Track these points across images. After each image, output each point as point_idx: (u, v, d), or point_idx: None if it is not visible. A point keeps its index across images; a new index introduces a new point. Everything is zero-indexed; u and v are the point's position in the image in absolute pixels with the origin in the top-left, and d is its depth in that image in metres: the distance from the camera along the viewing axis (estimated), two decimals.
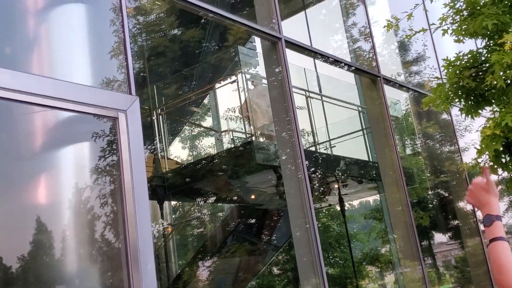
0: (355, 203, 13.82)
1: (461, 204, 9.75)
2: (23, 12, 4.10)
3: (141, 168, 3.85)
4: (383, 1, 9.85)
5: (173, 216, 10.07)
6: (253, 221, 9.42)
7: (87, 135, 3.89)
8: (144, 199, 3.78)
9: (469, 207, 9.31)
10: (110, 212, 3.77)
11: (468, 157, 5.52)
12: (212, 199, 8.82)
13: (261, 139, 7.99)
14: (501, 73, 4.41)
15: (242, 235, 9.27)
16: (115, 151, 3.83)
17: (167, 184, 7.99)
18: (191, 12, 5.75)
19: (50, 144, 3.88)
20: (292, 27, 9.44)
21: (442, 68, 5.17)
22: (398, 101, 10.12)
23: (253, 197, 8.86)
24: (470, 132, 9.63)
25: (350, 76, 8.36)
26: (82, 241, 3.74)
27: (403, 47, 10.45)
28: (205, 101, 10.16)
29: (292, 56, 6.29)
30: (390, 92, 8.25)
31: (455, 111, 8.48)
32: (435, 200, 10.75)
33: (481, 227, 9.08)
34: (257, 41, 8.27)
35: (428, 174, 10.57)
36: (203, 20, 8.55)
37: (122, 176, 3.75)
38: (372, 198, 12.71)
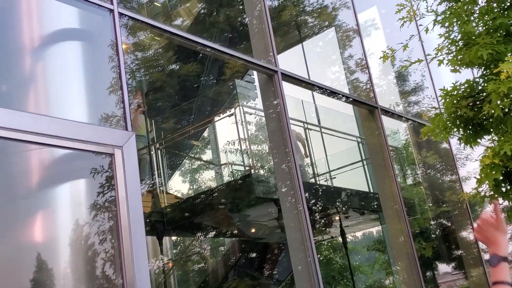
0: (358, 234, 13.68)
1: (464, 233, 9.65)
2: (20, 50, 4.12)
3: (137, 204, 3.82)
4: (379, 33, 9.95)
5: (174, 251, 9.95)
6: (254, 255, 9.30)
7: (82, 172, 3.86)
8: (140, 235, 3.73)
9: (471, 237, 9.21)
10: (107, 249, 3.72)
11: (471, 186, 5.48)
12: (212, 233, 8.72)
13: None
14: (498, 102, 4.41)
15: (243, 270, 9.13)
16: (111, 187, 3.80)
17: (166, 219, 7.91)
18: (189, 47, 5.80)
19: (46, 181, 3.85)
20: (290, 60, 9.52)
21: (439, 98, 5.18)
22: (397, 130, 10.11)
23: (253, 230, 8.77)
24: (471, 161, 9.59)
25: (348, 107, 8.37)
26: (80, 279, 3.68)
27: (401, 77, 10.49)
28: (205, 134, 10.17)
29: (290, 88, 6.31)
30: (389, 122, 8.24)
31: (455, 140, 8.47)
32: (438, 230, 10.64)
33: (485, 257, 8.96)
34: (255, 74, 8.32)
35: (430, 204, 10.48)
36: (201, 55, 8.62)
37: (119, 212, 3.72)
38: (375, 229, 12.59)
